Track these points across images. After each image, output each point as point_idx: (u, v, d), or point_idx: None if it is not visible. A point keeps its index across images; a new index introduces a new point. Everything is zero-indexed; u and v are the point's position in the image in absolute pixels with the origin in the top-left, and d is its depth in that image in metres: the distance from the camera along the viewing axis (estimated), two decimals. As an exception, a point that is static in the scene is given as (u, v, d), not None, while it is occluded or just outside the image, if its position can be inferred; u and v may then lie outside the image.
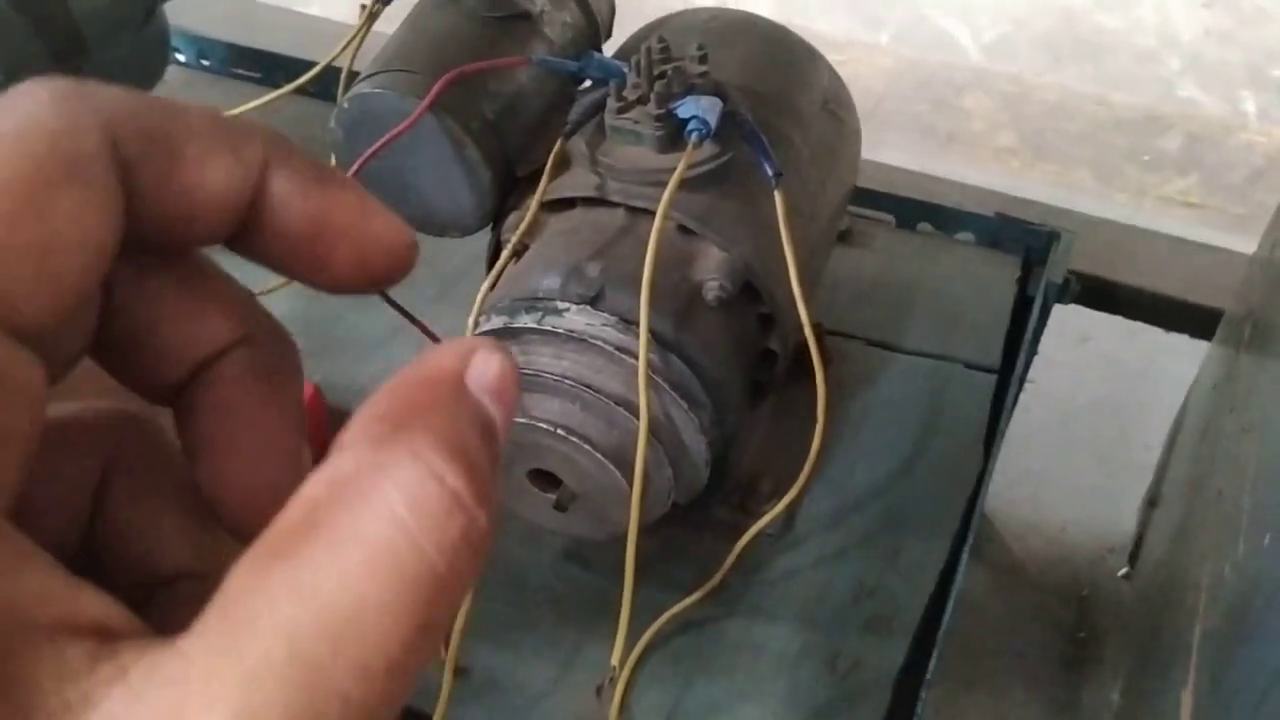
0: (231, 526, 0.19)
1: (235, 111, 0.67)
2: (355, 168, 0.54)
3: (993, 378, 0.68)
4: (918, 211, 0.76)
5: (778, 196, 0.52)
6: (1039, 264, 0.74)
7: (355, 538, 0.14)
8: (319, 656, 0.14)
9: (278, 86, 0.88)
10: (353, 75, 0.62)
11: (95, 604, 0.14)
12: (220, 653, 0.14)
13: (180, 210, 0.17)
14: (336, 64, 0.66)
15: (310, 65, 0.79)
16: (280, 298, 0.71)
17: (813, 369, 0.64)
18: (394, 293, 0.63)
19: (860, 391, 0.67)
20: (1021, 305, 0.73)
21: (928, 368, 0.68)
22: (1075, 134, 1.38)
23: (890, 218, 0.77)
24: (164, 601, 0.18)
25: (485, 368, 0.17)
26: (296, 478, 0.16)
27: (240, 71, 0.93)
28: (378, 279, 0.20)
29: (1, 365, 0.14)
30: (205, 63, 0.95)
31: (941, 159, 1.03)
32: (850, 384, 0.67)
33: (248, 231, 0.18)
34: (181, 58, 0.95)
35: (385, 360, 0.70)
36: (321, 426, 0.65)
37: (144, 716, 0.13)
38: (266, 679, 0.13)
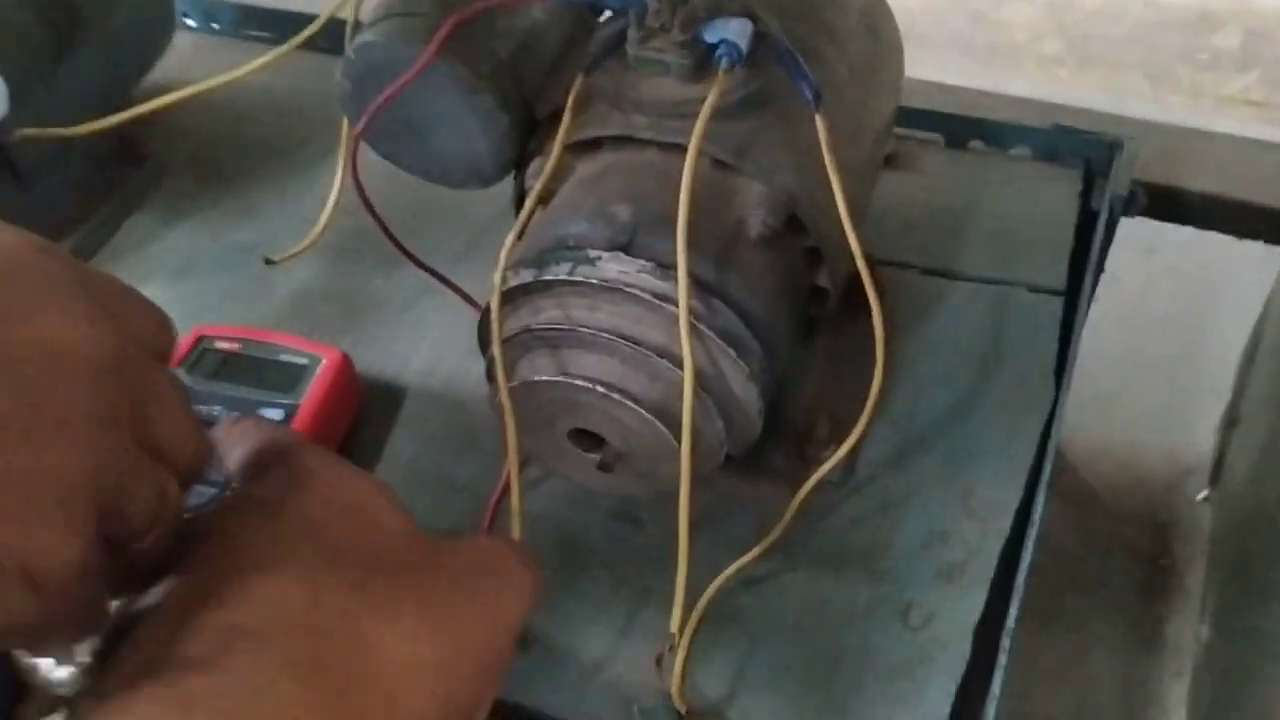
0: None
1: (242, 72, 0.63)
2: (363, 123, 0.50)
3: (1059, 300, 0.64)
4: (967, 128, 0.71)
5: (819, 120, 0.48)
6: (1101, 176, 0.69)
7: None
8: None
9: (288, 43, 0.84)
10: (359, 26, 0.58)
11: None
12: None
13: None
14: (341, 15, 0.62)
15: (310, 18, 0.75)
16: (302, 263, 0.68)
17: (866, 303, 0.60)
18: (420, 251, 0.60)
19: (918, 323, 0.63)
20: (1085, 221, 0.68)
21: (989, 294, 0.64)
22: (1123, 37, 1.31)
23: (938, 137, 0.72)
24: None
25: None
26: None
27: (251, 32, 0.90)
28: None
29: None
30: (215, 26, 0.91)
31: (984, 75, 0.97)
32: (907, 316, 0.63)
33: None
34: (191, 23, 0.91)
35: (415, 324, 0.67)
36: (352, 395, 0.62)
37: None
38: None
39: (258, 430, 0.38)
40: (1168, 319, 1.00)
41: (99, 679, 0.30)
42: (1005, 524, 0.56)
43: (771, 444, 0.55)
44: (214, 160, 0.80)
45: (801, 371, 0.59)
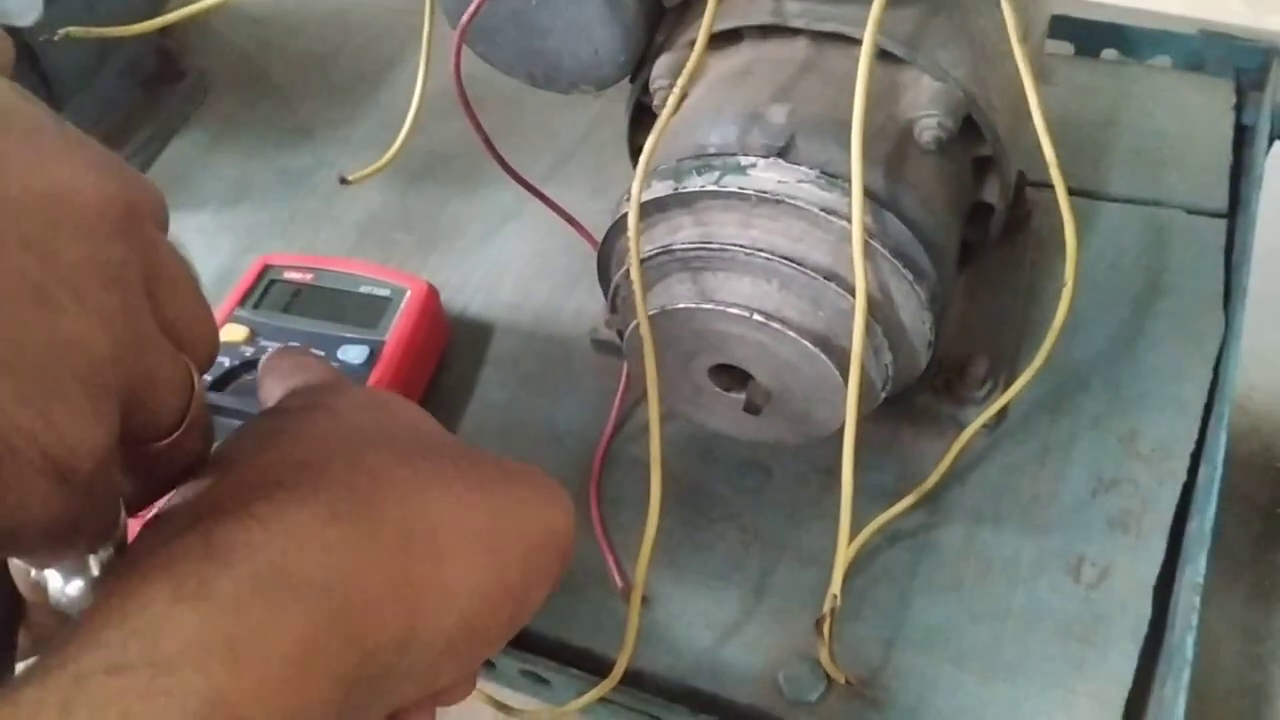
0: None
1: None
2: (471, 11, 0.43)
3: (1221, 223, 0.57)
4: (1102, 35, 0.64)
5: (1006, 6, 0.41)
6: (1254, 88, 0.62)
7: None
8: None
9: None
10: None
11: None
12: None
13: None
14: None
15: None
16: (369, 187, 0.62)
17: (1015, 226, 0.54)
18: (501, 175, 0.53)
19: (1065, 249, 0.57)
20: (1238, 137, 0.61)
21: (1141, 216, 0.58)
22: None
23: (1068, 45, 0.65)
24: None
25: None
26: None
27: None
28: None
29: None
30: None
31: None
32: (1053, 240, 0.56)
33: None
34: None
35: (499, 251, 0.61)
36: (439, 331, 0.56)
37: None
38: None
39: (301, 369, 0.36)
40: (1274, 251, 0.94)
41: (128, 551, 0.27)
42: (1180, 469, 0.50)
43: (918, 383, 0.49)
44: (261, 77, 0.74)
45: (952, 302, 0.52)
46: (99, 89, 0.69)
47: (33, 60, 0.63)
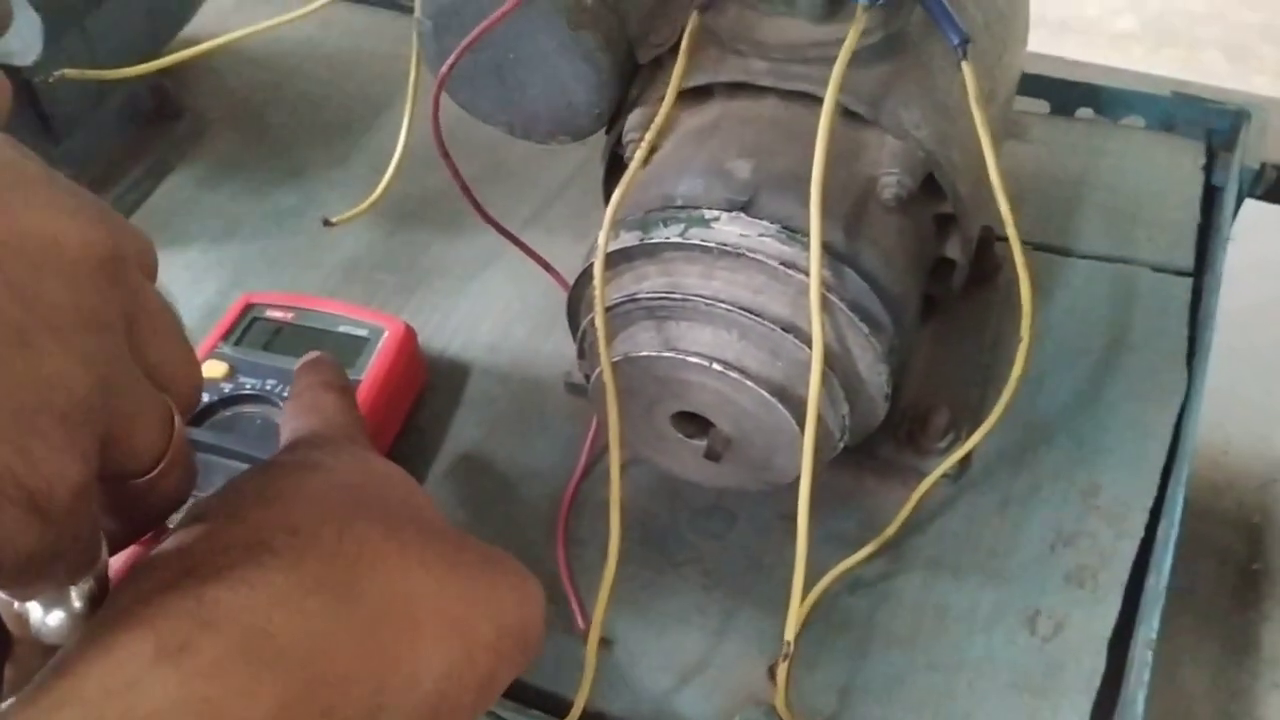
0: None
1: (287, 18, 0.58)
2: (449, 63, 0.45)
3: (1187, 281, 0.58)
4: (1077, 95, 0.66)
5: (966, 69, 0.42)
6: (1224, 149, 0.64)
7: None
8: None
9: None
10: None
11: None
12: None
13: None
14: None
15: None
16: (354, 228, 0.63)
17: (980, 280, 0.55)
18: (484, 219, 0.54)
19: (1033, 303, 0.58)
20: (1207, 197, 0.63)
21: (1109, 273, 0.59)
22: (1201, 13, 1.25)
23: (1044, 104, 0.67)
24: None
25: None
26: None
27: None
28: None
29: None
30: (254, -23, 0.86)
31: (1056, 50, 0.92)
32: (1020, 295, 0.58)
33: None
34: (228, -26, 0.86)
35: (480, 293, 0.62)
36: (416, 371, 0.57)
37: None
38: None
39: (317, 410, 0.37)
40: (1257, 308, 0.95)
41: (113, 594, 0.28)
42: (1139, 524, 0.50)
43: (880, 433, 0.50)
44: (256, 117, 0.75)
45: (915, 354, 0.53)
46: (97, 126, 0.71)
47: (31, 98, 0.64)
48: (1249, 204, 0.67)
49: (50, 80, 0.51)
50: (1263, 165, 0.60)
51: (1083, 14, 1.28)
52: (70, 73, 0.51)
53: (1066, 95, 0.66)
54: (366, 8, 0.81)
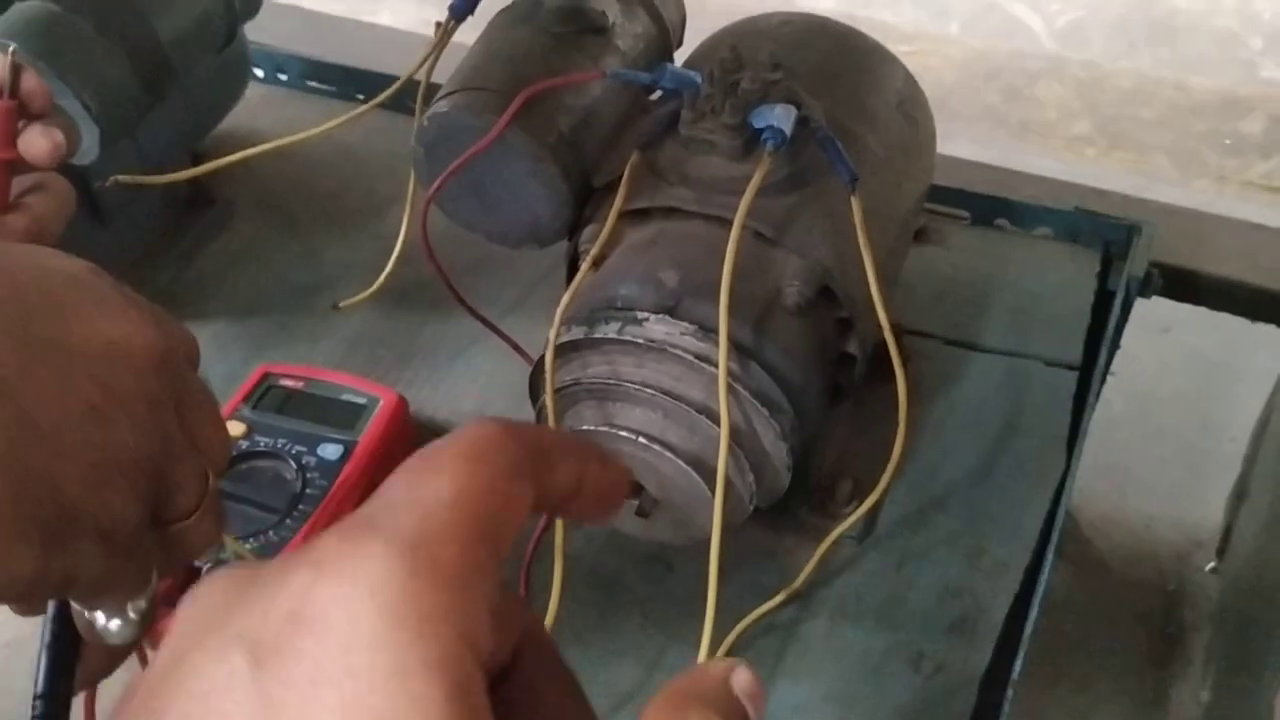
0: None
1: (320, 130, 0.68)
2: (436, 186, 0.55)
3: (1074, 374, 0.67)
4: (993, 208, 0.75)
5: (854, 201, 0.52)
6: (1119, 258, 0.73)
7: None
8: None
9: (351, 99, 0.89)
10: (431, 89, 0.63)
11: None
12: None
13: (549, 502, 0.25)
14: (415, 77, 0.67)
15: (382, 77, 0.80)
16: (364, 309, 0.73)
17: (891, 370, 0.64)
18: (473, 302, 0.64)
19: (940, 390, 0.67)
20: (1102, 300, 0.72)
21: (1007, 365, 0.68)
22: (1152, 120, 1.36)
23: (965, 214, 0.76)
24: None
25: (744, 677, 0.23)
26: None
27: (314, 84, 0.95)
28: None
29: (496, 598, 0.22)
30: (281, 77, 0.96)
31: (1015, 150, 1.02)
32: (929, 383, 0.67)
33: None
34: (259, 73, 0.96)
35: (465, 368, 0.72)
36: (406, 434, 0.66)
37: None
38: None
39: None
40: (1181, 395, 1.04)
41: None
42: (1014, 583, 0.59)
43: (797, 500, 0.59)
44: (280, 206, 0.85)
45: (828, 433, 0.62)
46: (139, 213, 0.81)
47: (85, 190, 0.74)
48: (1186, 305, 0.76)
49: (106, 187, 0.60)
50: (1149, 274, 0.70)
51: (1042, 117, 1.39)
52: (123, 179, 0.61)
53: (985, 207, 0.76)
54: (382, 111, 0.91)
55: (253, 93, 0.92)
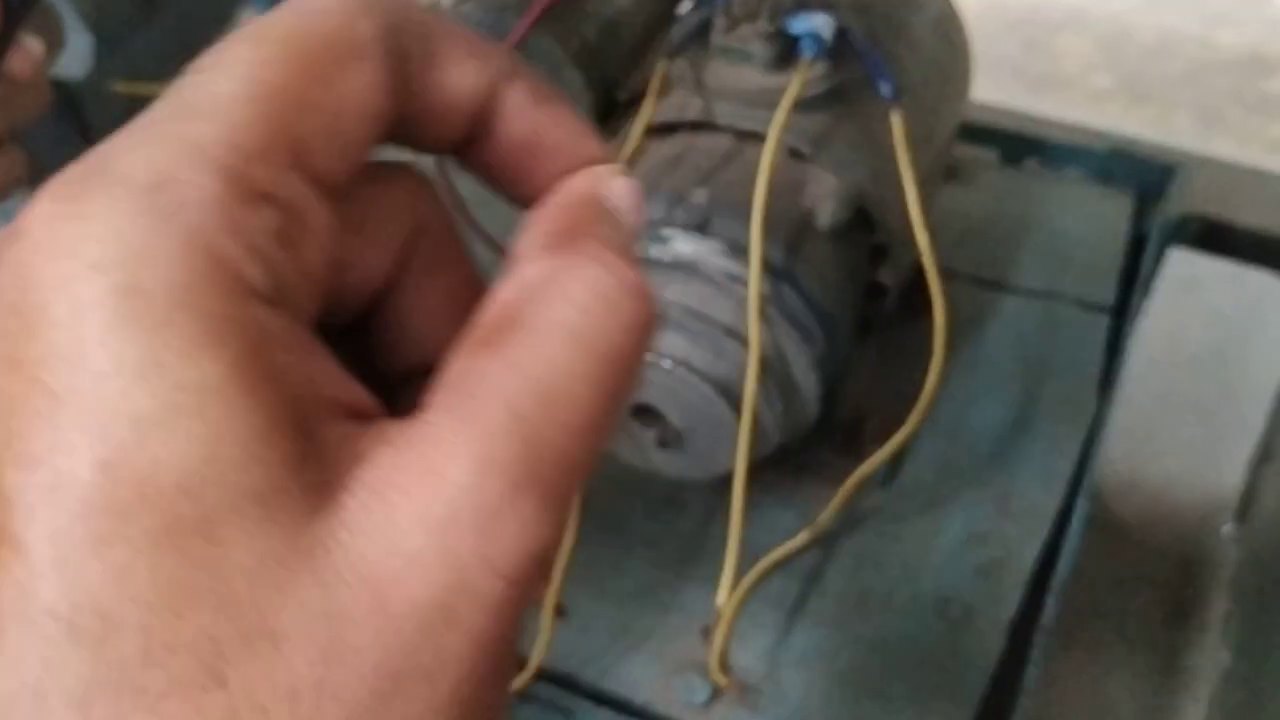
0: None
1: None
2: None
3: (1107, 318, 0.65)
4: (1024, 146, 0.72)
5: (895, 118, 0.49)
6: (1153, 201, 0.70)
7: (551, 325, 0.18)
8: (534, 417, 0.17)
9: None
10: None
11: (359, 392, 0.18)
12: (456, 419, 0.17)
13: (429, 107, 0.19)
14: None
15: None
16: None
17: (920, 307, 0.61)
18: (489, 230, 0.61)
19: (969, 331, 0.64)
20: (1134, 244, 0.69)
21: (1038, 307, 0.65)
22: (1176, 76, 1.33)
23: (995, 153, 0.73)
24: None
25: (617, 185, 0.21)
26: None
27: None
28: None
29: (304, 204, 0.17)
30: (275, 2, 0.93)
31: (1034, 103, 0.99)
32: (958, 324, 0.63)
33: (474, 142, 0.20)
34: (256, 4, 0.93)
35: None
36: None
37: (405, 465, 0.16)
38: (496, 435, 0.17)
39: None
40: (1202, 355, 1.01)
41: None
42: (1043, 528, 0.56)
43: (820, 440, 0.57)
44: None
45: (854, 370, 0.60)
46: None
47: (77, 111, 0.71)
48: (1209, 263, 0.73)
49: (106, 92, 0.57)
50: (1184, 219, 0.67)
51: (1062, 70, 1.36)
52: (122, 87, 0.58)
53: (1014, 146, 0.73)
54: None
55: (245, 16, 0.89)
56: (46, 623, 0.15)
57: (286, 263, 0.17)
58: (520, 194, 0.21)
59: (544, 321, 0.18)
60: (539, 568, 0.17)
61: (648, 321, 0.18)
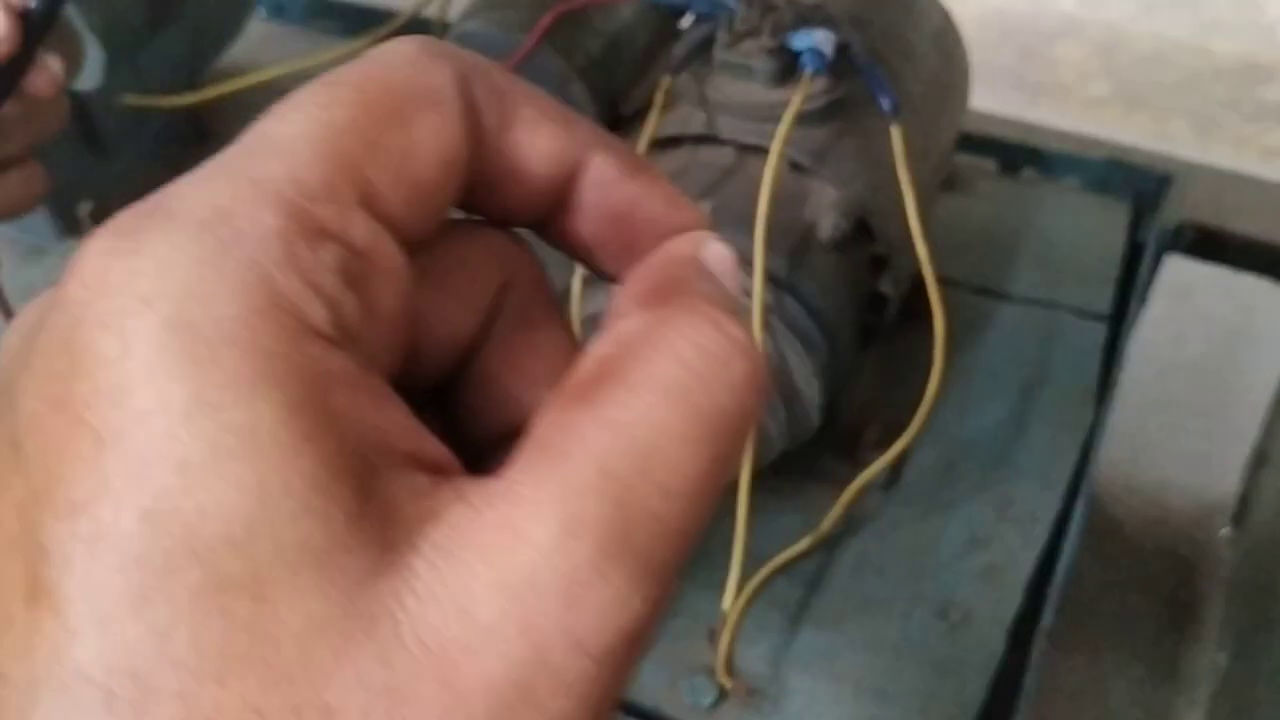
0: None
1: (324, 58, 0.66)
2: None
3: (1104, 325, 0.66)
4: (1022, 156, 0.74)
5: (895, 132, 0.50)
6: (1150, 210, 0.71)
7: (651, 381, 0.16)
8: (628, 478, 0.15)
9: (357, 38, 0.87)
10: (445, 27, 0.61)
11: (435, 446, 0.17)
12: (542, 476, 0.15)
13: (506, 170, 0.18)
14: (426, 14, 0.65)
15: (388, 15, 0.78)
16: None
17: (920, 316, 0.62)
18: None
19: (968, 339, 0.65)
20: (1131, 252, 0.70)
21: (1037, 315, 0.66)
22: (1171, 83, 1.34)
23: (993, 163, 0.75)
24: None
25: (716, 250, 0.20)
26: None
27: (317, 23, 0.93)
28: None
29: (372, 244, 0.16)
30: (283, 15, 0.94)
31: (1031, 111, 1.00)
32: (957, 332, 0.64)
33: (557, 213, 0.19)
34: (261, 12, 0.94)
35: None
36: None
37: (481, 525, 0.15)
38: (584, 496, 0.15)
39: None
40: (1200, 361, 1.02)
41: None
42: (1043, 532, 0.57)
43: (822, 446, 0.57)
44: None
45: (855, 378, 0.61)
46: (139, 145, 0.79)
47: (85, 121, 0.72)
48: (1206, 269, 0.74)
49: (116, 105, 0.58)
50: (1179, 227, 0.68)
51: (1059, 78, 1.37)
52: (131, 99, 0.59)
53: (1012, 155, 0.74)
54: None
55: (255, 30, 0.90)
56: (81, 688, 0.13)
57: (353, 304, 0.16)
58: (612, 269, 0.20)
59: (644, 377, 0.16)
60: (632, 648, 0.15)
61: (758, 384, 0.17)
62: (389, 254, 0.17)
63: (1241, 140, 1.29)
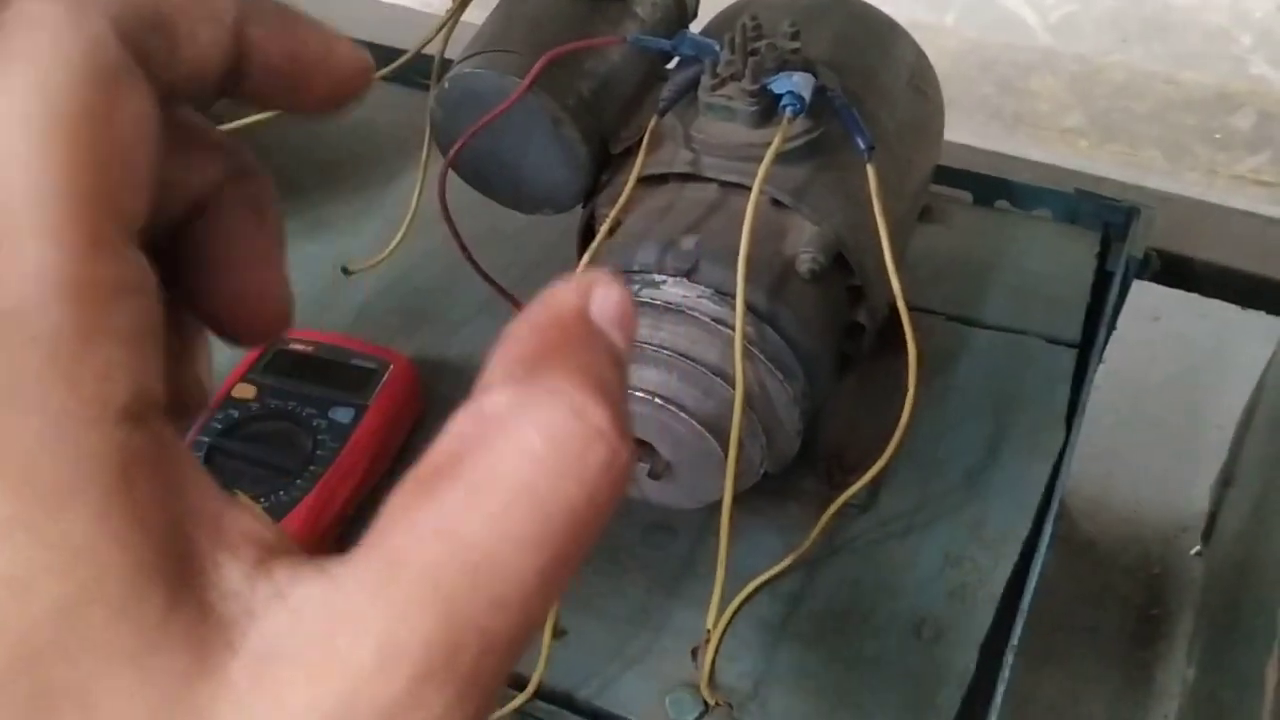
0: (234, 333, 0.22)
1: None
2: (457, 147, 0.55)
3: (1073, 352, 0.69)
4: (995, 188, 0.76)
5: (870, 170, 0.53)
6: (1118, 240, 0.74)
7: (496, 478, 0.16)
8: (459, 593, 0.15)
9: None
10: (445, 63, 0.64)
11: (248, 521, 0.16)
12: (370, 587, 0.15)
13: (183, 80, 0.18)
14: (426, 51, 0.67)
15: (391, 51, 0.81)
16: (374, 275, 0.73)
17: (897, 343, 0.65)
18: (485, 270, 0.65)
19: (942, 366, 0.68)
20: (1100, 280, 0.73)
21: (1008, 342, 0.69)
22: (1144, 113, 1.38)
23: (967, 194, 0.77)
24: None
25: (606, 300, 0.18)
26: (283, 283, 0.22)
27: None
28: (346, 97, 0.22)
29: (127, 276, 0.16)
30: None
31: (1008, 141, 1.03)
32: (932, 358, 0.68)
33: (235, 79, 0.20)
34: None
35: (473, 335, 0.72)
36: (415, 400, 0.67)
37: (301, 636, 0.15)
38: (411, 613, 0.15)
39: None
40: (1171, 382, 1.06)
41: None
42: (1014, 552, 0.60)
43: (803, 469, 0.60)
44: (291, 177, 0.86)
45: (834, 403, 0.63)
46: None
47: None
48: (1176, 293, 0.77)
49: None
50: (1146, 256, 0.71)
51: (1035, 109, 1.40)
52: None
53: (986, 188, 0.77)
54: (392, 85, 0.92)
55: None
56: None
57: (151, 364, 0.16)
58: (302, 107, 0.21)
59: (490, 476, 0.16)
60: None
61: (617, 471, 0.16)
62: (144, 278, 0.16)
63: (1213, 167, 1.33)
